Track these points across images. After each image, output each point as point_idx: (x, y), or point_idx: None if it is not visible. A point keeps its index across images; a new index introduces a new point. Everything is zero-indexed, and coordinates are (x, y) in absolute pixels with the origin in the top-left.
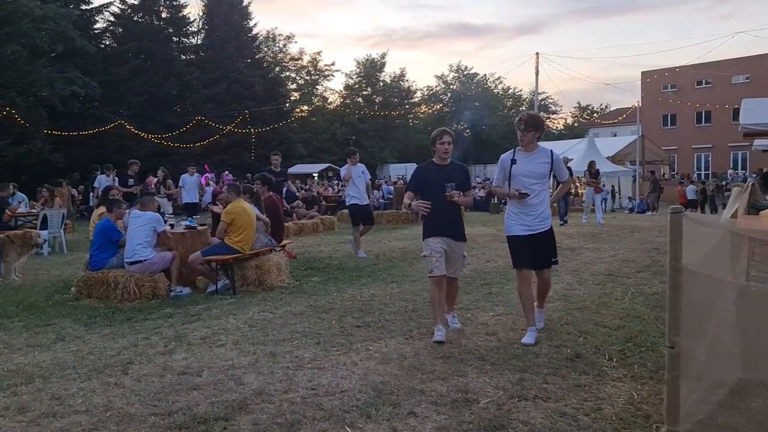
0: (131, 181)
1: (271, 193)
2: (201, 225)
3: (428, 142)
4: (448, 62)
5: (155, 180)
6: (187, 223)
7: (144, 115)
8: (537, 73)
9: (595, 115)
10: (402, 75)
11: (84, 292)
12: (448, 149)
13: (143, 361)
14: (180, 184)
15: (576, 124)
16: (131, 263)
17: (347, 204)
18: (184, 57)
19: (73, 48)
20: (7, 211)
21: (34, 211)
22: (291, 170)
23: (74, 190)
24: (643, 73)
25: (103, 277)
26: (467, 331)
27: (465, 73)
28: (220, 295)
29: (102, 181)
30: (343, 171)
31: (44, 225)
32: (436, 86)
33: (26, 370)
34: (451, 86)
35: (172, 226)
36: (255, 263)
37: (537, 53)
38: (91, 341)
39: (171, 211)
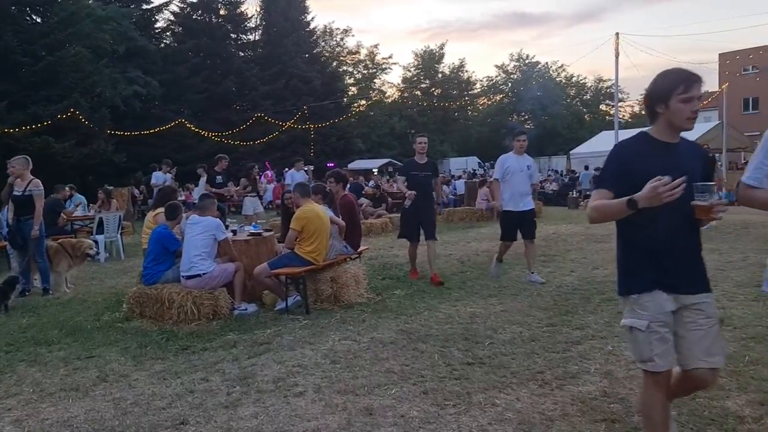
0: (219, 179)
1: (347, 191)
2: (266, 231)
3: (489, 134)
4: (504, 53)
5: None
6: (252, 228)
7: (203, 113)
8: (617, 56)
9: None
10: (461, 66)
11: (136, 310)
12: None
13: (200, 419)
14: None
15: (644, 112)
16: (188, 277)
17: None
18: (242, 54)
19: (135, 48)
20: (62, 214)
21: (90, 214)
22: (351, 166)
23: (136, 189)
24: (720, 55)
25: (157, 293)
26: (618, 372)
27: (526, 62)
28: (291, 314)
29: (159, 177)
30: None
31: (101, 229)
32: (496, 76)
33: (53, 431)
34: (512, 76)
35: (234, 232)
36: (330, 275)
37: (617, 33)
38: (139, 384)
39: (259, 210)
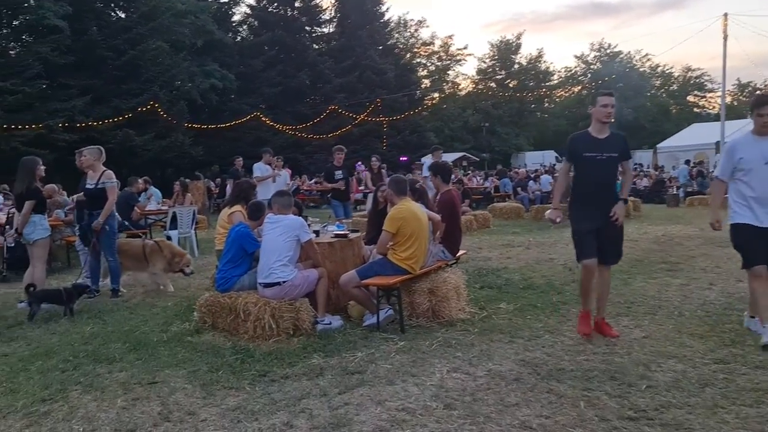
0: (339, 174)
1: (450, 186)
2: (352, 231)
3: (566, 127)
4: (581, 45)
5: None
6: (336, 228)
7: (278, 106)
8: (725, 38)
9: (758, 92)
10: (539, 56)
11: (208, 320)
12: None
13: None
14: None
15: (735, 103)
16: (267, 285)
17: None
18: (316, 46)
19: (212, 41)
20: (136, 208)
21: (164, 208)
22: (424, 160)
23: (212, 182)
24: None
25: (231, 302)
26: None
27: (607, 51)
28: (382, 332)
29: (262, 170)
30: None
31: (174, 224)
32: (575, 67)
33: None
34: (592, 66)
35: (317, 233)
36: (427, 286)
37: (725, 14)
38: (207, 427)
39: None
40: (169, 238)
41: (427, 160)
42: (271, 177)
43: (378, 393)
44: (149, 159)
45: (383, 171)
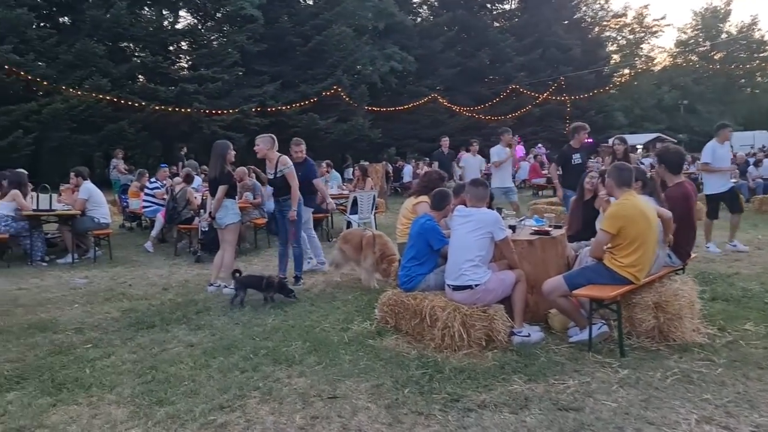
0: (577, 157)
1: (682, 177)
2: (555, 227)
3: None
4: None
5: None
6: (534, 223)
7: (455, 87)
8: None
9: None
10: (753, 24)
11: (390, 321)
12: None
13: None
14: (462, 164)
15: None
16: (456, 288)
17: None
18: (497, 24)
19: (393, 24)
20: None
21: (344, 192)
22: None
23: (390, 165)
24: None
25: (416, 304)
26: None
27: None
28: (595, 353)
29: (500, 153)
30: None
31: (355, 209)
32: None
33: None
34: None
35: (513, 228)
36: (652, 299)
37: None
38: None
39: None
40: (349, 222)
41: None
42: (506, 160)
43: None
44: (330, 142)
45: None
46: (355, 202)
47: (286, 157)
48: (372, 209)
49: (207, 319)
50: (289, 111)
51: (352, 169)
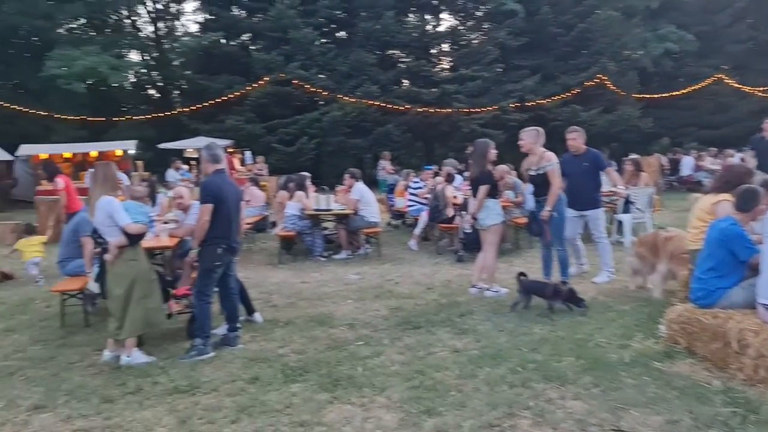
0: None
1: None
2: None
3: None
4: None
5: None
6: None
7: (746, 66)
8: None
9: None
10: None
11: (681, 341)
12: None
13: None
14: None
15: None
16: None
17: None
18: None
19: (667, 1)
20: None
21: (620, 189)
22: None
23: (663, 158)
24: None
25: (717, 324)
26: None
27: None
28: None
29: None
30: None
31: (627, 207)
32: None
33: None
34: None
35: None
36: None
37: None
38: None
39: None
40: (620, 222)
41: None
42: None
43: None
44: (594, 135)
45: None
46: (627, 200)
47: (552, 153)
48: (649, 207)
49: (470, 323)
50: (549, 104)
51: (618, 163)
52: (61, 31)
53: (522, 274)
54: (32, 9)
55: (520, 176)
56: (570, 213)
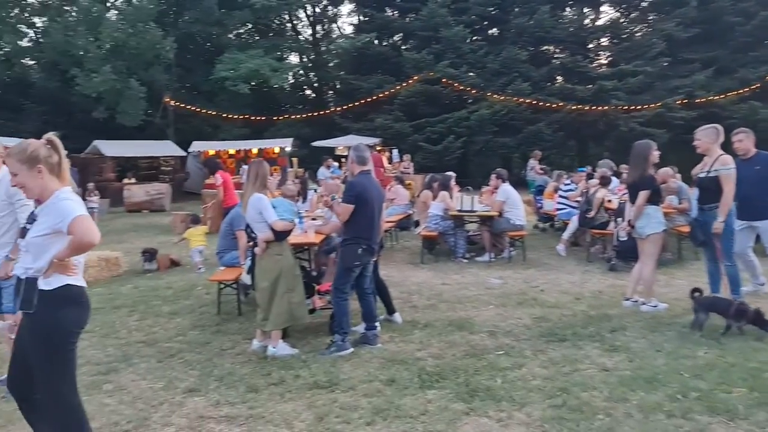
0: None
1: None
2: None
3: None
4: None
5: None
6: None
7: None
8: None
9: None
10: None
11: None
12: None
13: None
14: None
15: None
16: None
17: None
18: None
19: None
20: None
21: None
22: None
23: None
24: None
25: None
26: None
27: None
28: None
29: None
30: None
31: None
32: None
33: None
34: None
35: None
36: None
37: None
38: None
39: None
40: None
41: None
42: None
43: None
44: None
45: None
46: None
47: (729, 156)
48: None
49: (623, 340)
50: (723, 101)
51: None
52: (230, 36)
53: (696, 290)
54: (207, 17)
55: (685, 180)
56: (738, 224)
